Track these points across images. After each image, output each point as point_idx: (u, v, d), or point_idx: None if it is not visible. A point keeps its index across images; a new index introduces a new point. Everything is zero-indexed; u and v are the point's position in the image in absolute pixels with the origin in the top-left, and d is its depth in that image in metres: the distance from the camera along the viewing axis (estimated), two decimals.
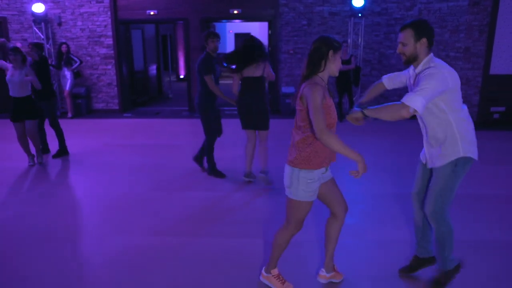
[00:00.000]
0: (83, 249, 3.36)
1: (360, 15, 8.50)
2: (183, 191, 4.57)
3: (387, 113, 2.29)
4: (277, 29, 9.00)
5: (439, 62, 2.34)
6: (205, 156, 4.94)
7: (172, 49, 15.86)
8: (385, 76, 2.82)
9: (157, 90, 11.84)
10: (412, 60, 2.38)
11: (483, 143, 6.53)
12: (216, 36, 4.60)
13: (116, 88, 9.46)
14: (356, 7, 8.34)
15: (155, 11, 9.04)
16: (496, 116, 8.01)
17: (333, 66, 2.38)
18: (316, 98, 2.21)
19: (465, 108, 2.44)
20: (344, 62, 8.01)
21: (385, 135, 6.99)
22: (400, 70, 8.95)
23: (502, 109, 7.98)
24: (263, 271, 2.78)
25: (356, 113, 2.43)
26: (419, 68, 2.38)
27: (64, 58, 8.52)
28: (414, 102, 2.18)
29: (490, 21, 7.48)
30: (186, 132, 7.49)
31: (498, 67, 7.72)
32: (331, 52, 2.34)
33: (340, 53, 2.39)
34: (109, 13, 8.99)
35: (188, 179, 4.92)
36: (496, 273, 2.98)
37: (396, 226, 3.71)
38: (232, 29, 19.08)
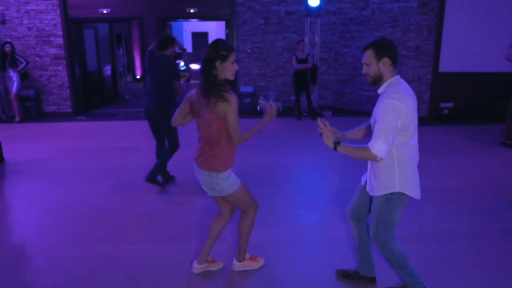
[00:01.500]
0: (33, 262, 3.17)
1: (316, 14, 8.65)
2: (140, 196, 4.44)
3: (355, 155, 2.26)
4: (234, 28, 8.97)
5: (402, 89, 2.25)
6: (159, 170, 4.52)
7: (127, 49, 15.39)
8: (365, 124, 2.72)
9: (113, 91, 11.45)
10: (377, 80, 2.34)
11: (434, 137, 6.90)
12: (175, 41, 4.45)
13: (68, 90, 9.05)
14: (312, 6, 8.46)
15: (108, 10, 8.73)
16: (445, 111, 8.43)
17: (226, 73, 2.44)
18: (235, 108, 2.41)
19: (414, 144, 2.35)
20: (301, 61, 8.12)
21: None
22: (355, 69, 9.19)
23: (450, 105, 8.41)
24: (235, 262, 2.95)
25: (329, 142, 2.30)
26: (381, 89, 2.35)
27: (9, 58, 8.04)
28: (378, 151, 2.16)
29: (438, 21, 7.85)
30: (144, 134, 7.27)
31: (446, 65, 8.12)
32: (218, 63, 2.39)
33: (231, 59, 2.41)
34: (58, 11, 8.58)
35: (146, 183, 4.78)
36: (452, 260, 3.11)
37: None
38: (189, 28, 18.84)
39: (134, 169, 5.23)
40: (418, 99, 8.24)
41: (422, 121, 8.19)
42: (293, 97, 8.86)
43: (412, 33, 7.94)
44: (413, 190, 2.38)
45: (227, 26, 9.31)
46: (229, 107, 2.39)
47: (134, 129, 7.69)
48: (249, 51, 9.06)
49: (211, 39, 18.91)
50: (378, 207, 2.42)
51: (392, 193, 2.35)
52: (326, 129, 2.29)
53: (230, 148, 2.55)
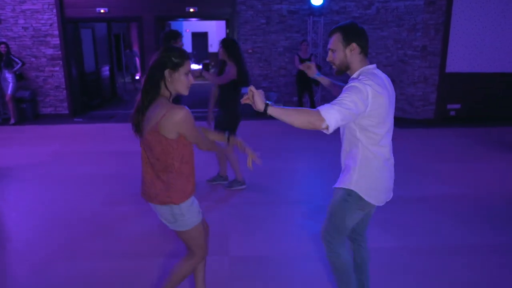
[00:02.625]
0: (21, 279, 2.95)
1: (318, 13, 8.42)
2: (139, 204, 4.21)
3: (298, 117, 1.81)
4: (235, 28, 8.74)
5: (375, 78, 1.97)
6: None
7: (126, 49, 15.16)
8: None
9: (111, 92, 11.22)
10: (344, 69, 2.08)
11: (441, 140, 6.67)
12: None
13: (65, 91, 8.83)
14: (314, 5, 8.24)
15: (106, 9, 8.50)
16: (452, 113, 8.20)
17: (177, 86, 1.97)
18: (192, 120, 1.97)
19: (385, 144, 2.08)
20: (305, 61, 7.90)
21: None
22: None
23: (457, 106, 8.18)
24: None
25: (259, 103, 1.80)
26: (353, 77, 2.07)
27: (4, 59, 7.81)
28: (329, 115, 1.79)
29: (445, 20, 7.62)
30: None
31: (453, 65, 7.89)
32: (167, 72, 1.93)
33: (184, 69, 1.95)
34: (54, 10, 8.35)
35: None
36: (472, 277, 2.89)
37: None
38: (188, 28, 18.60)
39: (131, 176, 5.00)
40: (424, 100, 8.03)
41: (428, 123, 8.02)
42: (295, 98, 8.64)
43: (418, 33, 7.71)
44: (370, 194, 2.09)
45: (227, 26, 9.08)
46: (182, 124, 1.92)
47: (132, 132, 7.45)
48: (250, 51, 8.83)
49: (210, 39, 18.68)
50: (334, 201, 2.19)
51: (349, 194, 2.10)
52: (254, 94, 1.81)
53: (183, 174, 2.07)
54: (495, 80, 8.01)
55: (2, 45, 7.77)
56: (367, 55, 2.08)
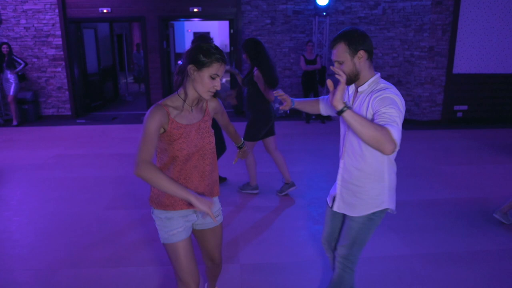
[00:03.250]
0: (24, 286, 2.85)
1: (324, 13, 8.32)
2: (144, 208, 4.11)
3: (367, 131, 1.65)
4: (240, 28, 8.64)
5: (390, 85, 1.91)
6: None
7: (128, 49, 15.10)
8: (321, 98, 2.38)
9: (113, 93, 11.13)
10: (354, 79, 1.94)
11: (449, 142, 6.57)
12: None
13: (67, 92, 8.73)
14: (320, 5, 8.14)
15: (108, 9, 8.41)
16: (459, 114, 8.10)
17: (197, 86, 1.78)
18: (145, 125, 1.73)
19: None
20: (310, 62, 7.81)
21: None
22: None
23: (465, 107, 8.08)
24: None
25: (338, 103, 1.70)
26: (364, 87, 1.94)
27: (6, 60, 7.72)
28: (398, 137, 1.67)
29: (452, 21, 7.52)
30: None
31: (460, 66, 7.79)
32: (190, 68, 1.76)
33: (212, 70, 1.74)
34: (56, 10, 8.26)
35: (149, 193, 4.46)
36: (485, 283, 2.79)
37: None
38: (190, 28, 18.49)
39: (135, 179, 4.91)
40: (431, 101, 7.93)
41: (435, 125, 7.92)
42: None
43: (425, 33, 7.61)
44: (393, 201, 2.08)
45: (231, 26, 8.98)
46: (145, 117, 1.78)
47: (135, 134, 7.37)
48: None
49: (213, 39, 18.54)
50: (357, 227, 2.05)
51: (374, 214, 2.00)
52: (339, 90, 1.71)
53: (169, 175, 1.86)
54: (503, 81, 7.91)
55: (4, 46, 7.68)
56: (372, 60, 1.97)
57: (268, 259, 3.17)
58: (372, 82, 1.94)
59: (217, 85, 1.78)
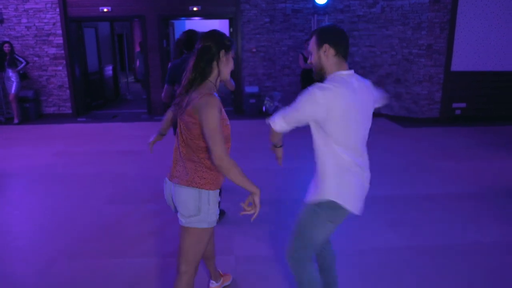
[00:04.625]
0: (26, 277, 2.91)
1: (323, 12, 8.37)
2: (144, 203, 4.17)
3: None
4: (239, 27, 8.70)
5: (336, 81, 1.87)
6: None
7: (129, 49, 15.16)
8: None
9: (114, 92, 11.20)
10: (319, 72, 1.98)
11: (447, 139, 6.61)
12: None
13: (68, 91, 8.81)
14: (319, 4, 8.19)
15: (109, 8, 8.48)
16: (457, 112, 8.13)
17: (225, 70, 1.97)
18: (213, 116, 1.80)
19: (353, 147, 1.95)
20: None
21: None
22: (363, 68, 8.88)
23: (463, 105, 8.11)
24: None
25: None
26: None
27: (8, 58, 7.80)
28: (273, 119, 2.03)
29: (450, 18, 7.55)
30: (147, 137, 7.00)
31: (458, 64, 7.82)
32: (222, 52, 1.94)
33: (232, 53, 2.00)
34: (57, 9, 8.33)
35: (149, 190, 4.52)
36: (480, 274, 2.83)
37: (377, 229, 3.53)
38: (190, 27, 18.56)
39: (135, 176, 4.97)
40: (429, 99, 7.96)
41: (434, 122, 7.95)
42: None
43: (423, 31, 7.64)
44: (349, 201, 1.96)
45: (231, 25, 9.04)
46: (201, 109, 1.83)
47: (135, 132, 7.44)
48: (254, 50, 8.79)
49: None
50: (302, 217, 2.08)
51: (319, 206, 1.98)
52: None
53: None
54: (501, 78, 7.94)
55: (6, 45, 7.76)
56: (346, 59, 1.96)
57: (263, 251, 3.22)
58: (330, 79, 1.93)
59: (232, 66, 2.04)
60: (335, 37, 1.93)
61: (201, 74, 1.91)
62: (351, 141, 1.93)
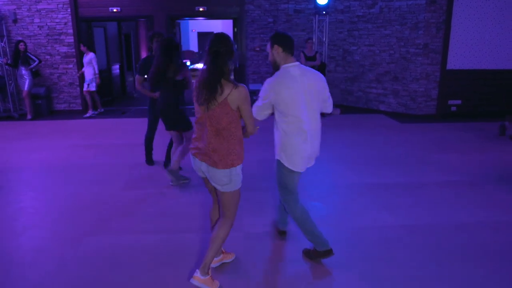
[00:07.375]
0: (55, 251, 3.24)
1: (324, 12, 8.70)
2: (159, 188, 4.50)
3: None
4: (243, 26, 9.03)
5: (279, 75, 2.71)
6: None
7: (135, 49, 15.46)
8: None
9: (121, 90, 11.54)
10: (275, 66, 2.79)
11: (442, 134, 6.93)
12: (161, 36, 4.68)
13: (78, 88, 9.15)
14: (320, 4, 8.51)
15: (118, 8, 8.82)
16: (453, 109, 8.45)
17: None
18: (249, 101, 2.48)
19: (292, 121, 2.73)
20: (310, 58, 8.17)
21: (359, 129, 7.19)
22: (363, 66, 9.23)
23: (458, 102, 8.43)
24: (199, 275, 2.56)
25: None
26: None
27: (21, 56, 8.14)
28: (259, 116, 2.79)
29: (446, 19, 7.88)
30: (158, 130, 7.36)
31: (454, 62, 8.14)
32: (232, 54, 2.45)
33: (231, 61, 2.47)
34: (69, 10, 8.69)
35: (166, 178, 4.85)
36: (470, 250, 3.16)
37: (370, 214, 3.85)
38: (195, 28, 18.88)
39: (147, 165, 5.30)
40: (426, 96, 8.28)
41: (430, 118, 8.27)
42: None
43: (420, 31, 7.97)
44: (289, 161, 2.79)
45: (235, 25, 9.38)
46: (242, 99, 2.41)
47: (144, 127, 7.74)
48: (257, 49, 9.12)
49: None
50: (276, 171, 2.95)
51: (278, 162, 2.86)
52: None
53: (241, 141, 2.54)
54: (496, 76, 8.26)
55: (21, 43, 8.10)
56: (292, 54, 2.76)
57: (269, 228, 3.55)
58: (277, 73, 2.75)
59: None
60: (282, 39, 2.74)
61: (221, 73, 2.37)
62: (295, 113, 2.70)
